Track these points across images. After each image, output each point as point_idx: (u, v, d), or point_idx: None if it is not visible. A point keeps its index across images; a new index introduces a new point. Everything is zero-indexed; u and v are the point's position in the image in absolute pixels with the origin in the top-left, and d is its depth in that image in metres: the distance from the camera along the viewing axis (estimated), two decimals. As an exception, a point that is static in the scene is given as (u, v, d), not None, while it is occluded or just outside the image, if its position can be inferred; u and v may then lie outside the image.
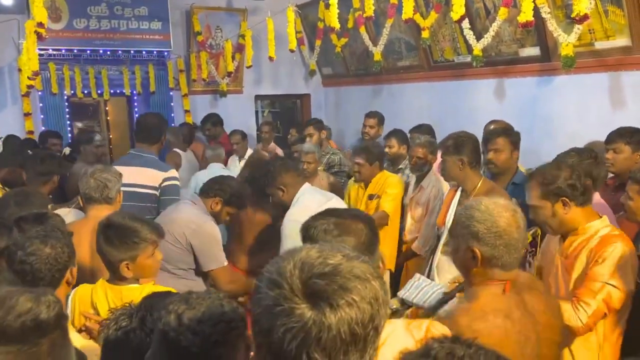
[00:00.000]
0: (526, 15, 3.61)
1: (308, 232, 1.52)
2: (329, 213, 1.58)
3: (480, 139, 3.75)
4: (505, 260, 1.53)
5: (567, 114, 4.28)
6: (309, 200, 2.78)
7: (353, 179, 3.95)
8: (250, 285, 2.97)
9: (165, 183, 3.25)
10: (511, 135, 3.12)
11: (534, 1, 3.68)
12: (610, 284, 1.92)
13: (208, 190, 2.88)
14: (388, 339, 1.26)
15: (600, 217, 2.08)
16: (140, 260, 2.00)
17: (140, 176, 3.24)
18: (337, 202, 2.88)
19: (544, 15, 3.84)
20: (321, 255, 0.86)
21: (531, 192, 2.08)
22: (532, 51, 4.43)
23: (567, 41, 3.81)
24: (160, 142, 3.51)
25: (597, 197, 2.53)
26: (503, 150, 3.08)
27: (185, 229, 2.69)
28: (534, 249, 2.40)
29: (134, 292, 1.89)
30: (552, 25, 3.88)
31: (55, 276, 1.75)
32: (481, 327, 1.45)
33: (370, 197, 3.76)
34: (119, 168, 3.40)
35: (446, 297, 2.00)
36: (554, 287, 2.10)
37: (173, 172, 3.36)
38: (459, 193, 3.07)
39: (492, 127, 3.80)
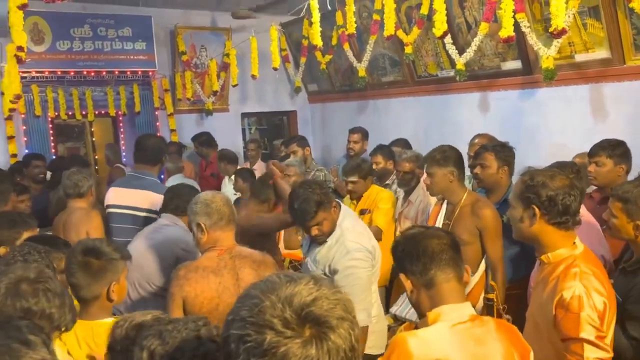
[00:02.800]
0: (507, 30, 3.66)
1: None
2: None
3: (465, 153, 3.79)
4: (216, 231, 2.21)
5: (550, 125, 4.32)
6: (354, 224, 2.64)
7: (348, 197, 3.96)
8: None
9: None
10: (500, 151, 3.09)
11: (514, 16, 3.73)
12: (585, 339, 1.67)
13: (177, 206, 2.86)
14: None
15: (574, 240, 1.85)
16: (122, 279, 1.94)
17: (139, 199, 3.23)
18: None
19: (523, 29, 3.89)
20: (292, 286, 0.86)
21: (515, 187, 1.96)
22: (514, 64, 4.48)
23: (547, 54, 3.86)
24: (161, 162, 3.49)
25: (584, 211, 2.43)
26: (490, 166, 3.06)
27: (174, 249, 2.67)
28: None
29: (105, 328, 1.69)
30: (532, 39, 3.94)
31: None
32: (191, 276, 2.14)
33: (362, 211, 3.77)
34: (117, 190, 3.41)
35: None
36: (533, 320, 1.90)
37: None
38: (444, 207, 3.07)
39: (476, 140, 3.83)
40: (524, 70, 4.42)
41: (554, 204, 1.79)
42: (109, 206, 3.42)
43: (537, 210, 1.81)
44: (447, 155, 2.98)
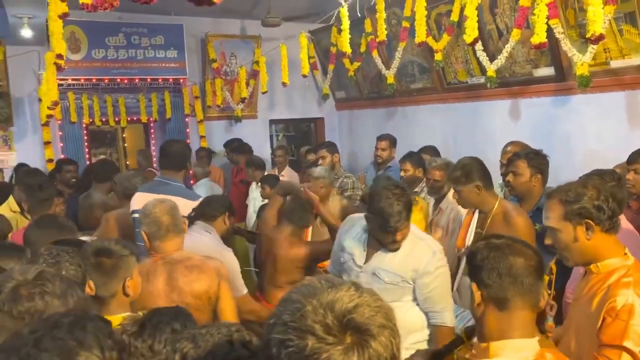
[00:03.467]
0: (539, 36, 3.61)
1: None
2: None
3: (497, 160, 3.74)
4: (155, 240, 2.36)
5: (584, 133, 4.24)
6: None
7: None
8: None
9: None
10: (533, 159, 3.03)
11: (547, 22, 3.68)
12: (627, 348, 1.62)
13: (212, 213, 2.92)
14: None
15: (625, 250, 1.81)
16: (135, 275, 2.00)
17: None
18: None
19: (557, 35, 3.84)
20: (334, 292, 0.86)
21: (550, 212, 1.83)
22: (547, 71, 4.41)
23: (582, 61, 3.79)
24: (185, 168, 3.47)
25: (624, 221, 2.36)
26: (522, 174, 3.01)
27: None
28: (550, 291, 2.15)
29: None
30: (566, 45, 3.87)
31: None
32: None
33: None
34: (144, 195, 3.37)
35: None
36: (573, 340, 1.81)
37: None
38: (476, 215, 3.04)
39: (509, 148, 3.77)
40: (557, 77, 4.35)
41: (603, 210, 1.75)
42: (134, 211, 3.40)
43: (591, 222, 1.75)
44: (469, 171, 2.92)
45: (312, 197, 3.14)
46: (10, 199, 3.90)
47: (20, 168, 5.21)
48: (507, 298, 1.40)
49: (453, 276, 3.25)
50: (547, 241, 1.87)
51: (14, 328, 1.14)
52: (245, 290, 2.81)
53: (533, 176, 3.01)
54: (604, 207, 1.75)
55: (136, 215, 3.37)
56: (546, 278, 2.02)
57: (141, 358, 1.39)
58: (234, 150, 6.05)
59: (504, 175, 3.32)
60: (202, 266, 2.35)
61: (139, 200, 3.42)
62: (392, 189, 2.30)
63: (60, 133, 6.14)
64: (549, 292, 2.07)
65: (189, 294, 2.30)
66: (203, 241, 2.84)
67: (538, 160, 3.06)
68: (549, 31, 3.72)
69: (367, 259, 2.44)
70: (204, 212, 2.96)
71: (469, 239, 2.95)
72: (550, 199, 1.85)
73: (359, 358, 0.81)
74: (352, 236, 2.52)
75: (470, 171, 2.92)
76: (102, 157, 7.60)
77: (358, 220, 2.54)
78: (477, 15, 4.11)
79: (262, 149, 6.90)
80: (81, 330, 1.00)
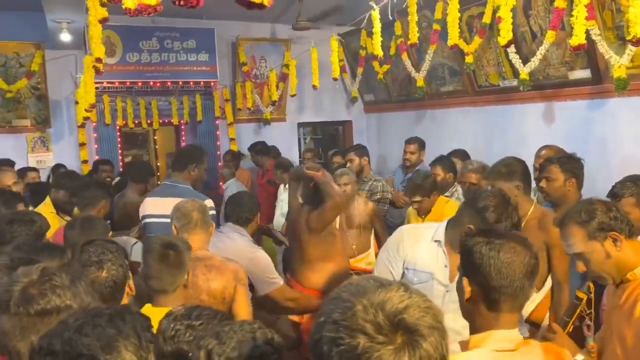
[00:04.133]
0: (578, 38, 3.52)
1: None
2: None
3: (530, 164, 3.68)
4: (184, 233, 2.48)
5: (621, 137, 4.14)
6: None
7: (411, 209, 3.91)
8: (309, 301, 2.93)
9: None
10: (566, 163, 2.94)
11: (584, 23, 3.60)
12: None
13: (247, 216, 3.00)
14: None
15: None
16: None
17: (172, 207, 3.25)
18: None
19: (594, 37, 3.76)
20: (384, 292, 0.86)
21: (572, 239, 1.79)
22: (582, 74, 4.32)
23: (619, 63, 3.71)
24: (187, 169, 3.44)
25: None
26: (556, 179, 2.91)
27: (242, 259, 2.72)
28: (590, 311, 2.05)
29: None
30: (602, 47, 3.79)
31: (116, 296, 1.80)
32: None
33: None
34: (152, 200, 3.45)
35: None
36: (618, 348, 1.78)
37: (210, 202, 3.27)
38: None
39: (542, 152, 3.70)
40: (593, 80, 4.25)
41: (619, 219, 1.76)
42: (145, 216, 3.45)
43: (616, 234, 1.74)
44: (512, 170, 2.88)
45: (312, 174, 3.17)
46: (47, 199, 4.02)
47: (57, 169, 5.36)
48: (497, 300, 1.39)
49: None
50: (580, 268, 1.83)
51: (35, 327, 1.18)
52: (281, 282, 2.89)
53: (567, 180, 2.92)
54: (618, 215, 1.76)
55: (147, 220, 3.42)
56: (584, 297, 1.99)
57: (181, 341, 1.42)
58: (259, 152, 6.10)
59: (537, 180, 3.26)
60: (221, 267, 2.44)
61: (148, 205, 3.46)
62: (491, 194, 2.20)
63: (95, 135, 6.30)
64: (589, 311, 2.01)
65: (205, 291, 2.37)
66: (236, 243, 2.90)
67: (571, 164, 2.96)
68: (585, 33, 3.64)
69: (452, 276, 2.21)
70: (237, 215, 3.00)
71: None
72: (565, 226, 1.83)
73: (410, 358, 0.81)
74: (423, 253, 2.30)
75: (514, 170, 2.88)
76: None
77: (421, 233, 2.37)
78: (511, 17, 4.06)
79: (290, 152, 6.94)
80: (121, 320, 1.03)
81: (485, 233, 1.48)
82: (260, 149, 6.13)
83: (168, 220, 3.03)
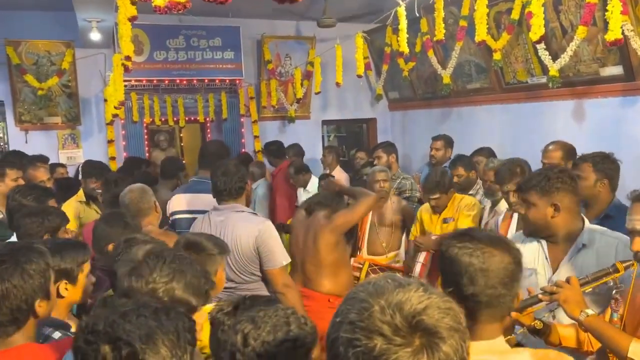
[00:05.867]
0: (614, 33, 3.41)
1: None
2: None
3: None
4: None
5: (655, 135, 4.03)
6: None
7: (428, 205, 3.91)
8: (297, 298, 2.87)
9: None
10: (599, 162, 2.84)
11: (617, 18, 3.51)
12: None
13: (238, 185, 2.90)
14: None
15: None
16: (220, 272, 2.06)
17: (201, 203, 3.23)
18: None
19: (627, 32, 3.66)
20: (402, 293, 0.84)
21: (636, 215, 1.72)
22: (615, 70, 4.22)
23: (654, 59, 3.61)
24: None
25: None
26: (586, 178, 2.81)
27: (253, 231, 2.72)
28: (621, 285, 1.96)
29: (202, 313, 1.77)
30: (636, 43, 3.70)
31: None
32: None
33: (445, 220, 3.70)
34: (180, 196, 3.49)
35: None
36: None
37: None
38: (515, 217, 2.98)
39: (550, 147, 3.63)
40: (626, 77, 4.15)
41: None
42: (173, 213, 3.47)
43: None
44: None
45: (334, 183, 3.43)
46: (80, 191, 4.12)
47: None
48: (472, 309, 1.29)
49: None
50: (636, 247, 1.77)
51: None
52: (285, 262, 2.76)
53: (599, 181, 2.81)
54: None
55: (176, 217, 3.45)
56: (622, 271, 1.87)
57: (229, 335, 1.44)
58: (272, 153, 5.96)
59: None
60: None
61: (176, 201, 3.49)
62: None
63: (123, 132, 6.41)
64: (619, 285, 1.90)
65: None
66: (248, 217, 2.84)
67: (605, 165, 2.85)
68: (619, 28, 3.55)
69: (554, 271, 2.14)
70: (229, 187, 2.83)
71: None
72: (638, 200, 1.76)
73: (446, 350, 0.79)
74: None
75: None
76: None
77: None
78: (542, 13, 3.98)
79: (314, 150, 6.95)
80: (165, 315, 1.06)
81: (461, 237, 1.37)
82: (274, 150, 5.95)
83: (197, 215, 3.07)
